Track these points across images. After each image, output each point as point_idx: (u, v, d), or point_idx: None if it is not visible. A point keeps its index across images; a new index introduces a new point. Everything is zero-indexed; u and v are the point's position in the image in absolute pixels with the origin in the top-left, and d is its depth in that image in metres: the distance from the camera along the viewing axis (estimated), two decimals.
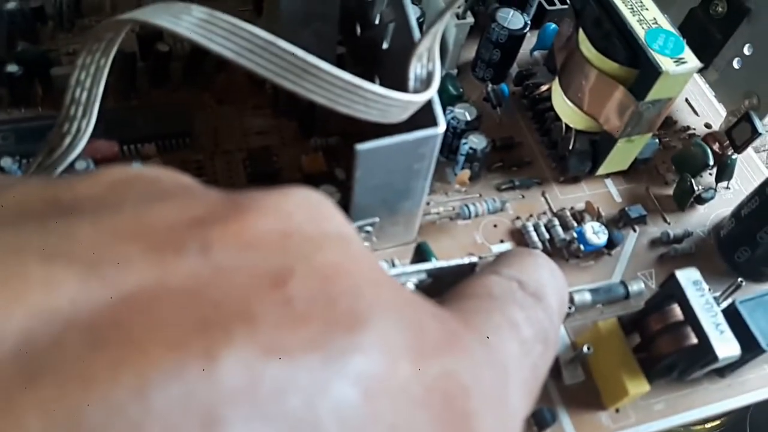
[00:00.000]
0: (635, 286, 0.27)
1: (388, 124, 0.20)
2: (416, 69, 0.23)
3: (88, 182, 0.10)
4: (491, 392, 0.10)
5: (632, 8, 0.26)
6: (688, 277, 0.24)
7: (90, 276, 0.08)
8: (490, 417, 0.10)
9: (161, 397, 0.07)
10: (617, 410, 0.25)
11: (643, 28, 0.26)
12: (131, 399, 0.07)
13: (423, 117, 0.22)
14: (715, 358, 0.22)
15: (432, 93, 0.22)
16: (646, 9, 0.27)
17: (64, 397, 0.07)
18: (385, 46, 0.26)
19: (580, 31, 0.28)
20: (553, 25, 0.33)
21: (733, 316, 0.24)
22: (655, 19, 0.26)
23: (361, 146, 0.21)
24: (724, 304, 0.25)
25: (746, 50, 0.31)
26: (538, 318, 0.13)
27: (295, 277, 0.09)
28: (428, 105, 0.22)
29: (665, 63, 0.25)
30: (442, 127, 0.22)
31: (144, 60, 0.30)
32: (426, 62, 0.23)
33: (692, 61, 0.25)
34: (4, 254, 0.08)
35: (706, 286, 0.23)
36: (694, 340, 0.23)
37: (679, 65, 0.25)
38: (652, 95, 0.26)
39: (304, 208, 0.10)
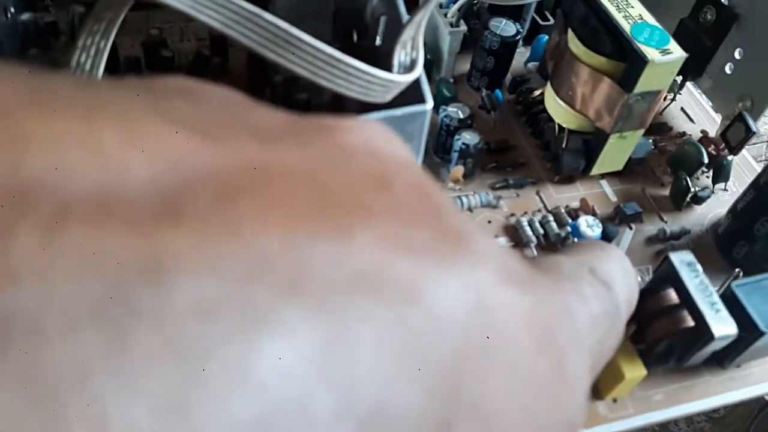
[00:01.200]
0: None
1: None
2: (400, 56, 0.23)
3: (170, 78, 0.09)
4: (575, 339, 0.10)
5: (618, 6, 0.27)
6: (681, 259, 0.23)
7: (207, 140, 0.07)
8: (576, 362, 0.10)
9: (311, 256, 0.06)
10: (615, 400, 0.24)
11: (628, 23, 0.27)
12: (280, 252, 0.06)
13: (411, 97, 0.22)
14: (711, 338, 0.22)
15: (415, 75, 0.22)
16: (632, 6, 0.27)
17: (208, 235, 0.06)
18: (378, 42, 0.27)
19: (569, 30, 0.28)
20: (546, 37, 0.34)
21: (730, 300, 0.23)
22: (640, 15, 0.27)
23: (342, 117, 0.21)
24: None
25: (737, 55, 0.32)
26: (608, 299, 0.12)
27: (395, 184, 0.08)
28: (416, 84, 0.22)
29: (651, 53, 0.25)
30: (429, 104, 0.22)
31: (148, 67, 0.31)
32: (410, 50, 0.23)
33: (677, 51, 0.26)
34: (118, 109, 0.07)
35: (700, 268, 0.23)
36: (691, 322, 0.23)
37: (664, 55, 0.26)
38: (640, 87, 0.26)
39: (384, 137, 0.10)
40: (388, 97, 0.22)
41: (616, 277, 0.13)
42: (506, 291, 0.09)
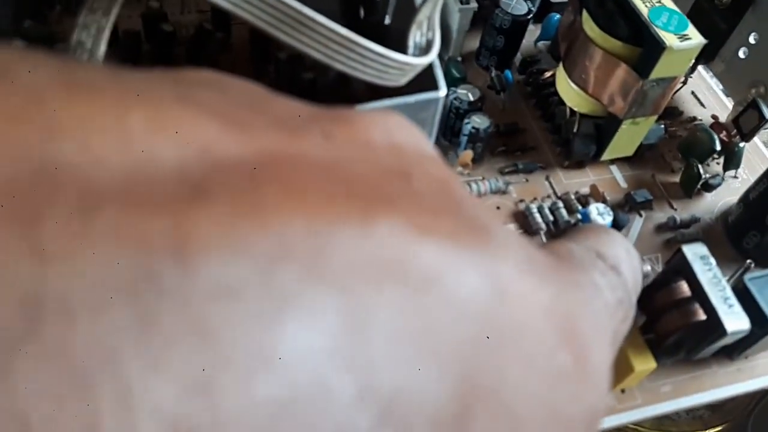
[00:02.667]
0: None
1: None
2: (416, 37, 0.22)
3: (195, 70, 0.09)
4: (597, 330, 0.10)
5: None
6: (695, 252, 0.23)
7: (232, 128, 0.07)
8: (598, 355, 0.10)
9: (334, 242, 0.07)
10: (623, 391, 0.24)
11: (646, 6, 0.26)
12: (304, 237, 0.06)
13: (424, 83, 0.22)
14: (724, 333, 0.22)
15: (431, 58, 0.22)
16: None
17: (234, 218, 0.06)
18: (387, 21, 0.26)
19: (584, 12, 0.27)
20: (557, 16, 0.33)
21: (741, 294, 0.23)
22: None
23: (360, 108, 0.21)
24: None
25: (752, 39, 0.31)
26: (620, 287, 0.12)
27: (416, 176, 0.08)
28: (429, 71, 0.22)
29: (669, 39, 0.25)
30: (443, 91, 0.21)
31: (148, 41, 0.30)
32: (426, 30, 0.23)
33: (696, 37, 0.25)
34: (145, 97, 0.07)
35: (713, 261, 0.23)
36: (703, 316, 0.22)
37: (683, 41, 0.25)
38: (656, 73, 0.25)
39: (403, 129, 0.10)
40: (403, 81, 0.21)
41: (622, 261, 0.13)
42: (526, 282, 0.09)
